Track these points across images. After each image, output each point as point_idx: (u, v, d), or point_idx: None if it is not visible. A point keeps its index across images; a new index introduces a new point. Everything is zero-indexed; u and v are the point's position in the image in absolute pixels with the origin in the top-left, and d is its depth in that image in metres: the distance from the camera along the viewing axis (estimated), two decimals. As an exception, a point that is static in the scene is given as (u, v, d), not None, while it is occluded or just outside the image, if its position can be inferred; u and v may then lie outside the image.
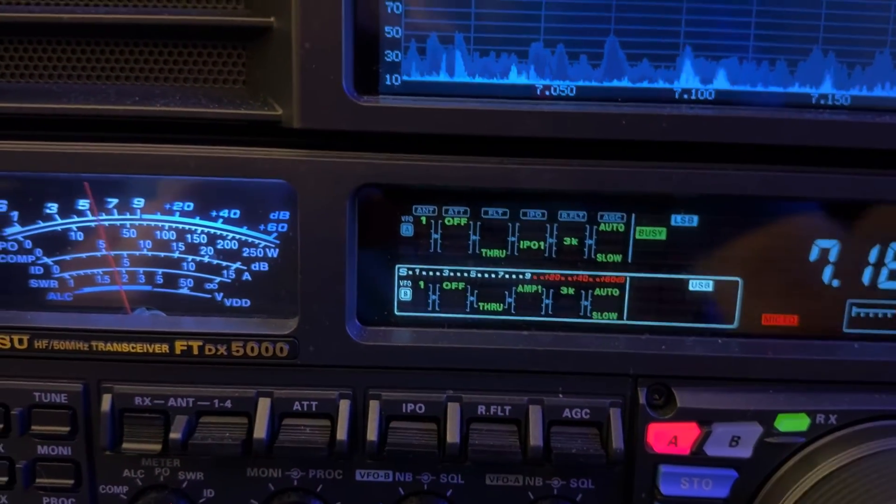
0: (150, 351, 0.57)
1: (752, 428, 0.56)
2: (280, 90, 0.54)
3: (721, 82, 0.55)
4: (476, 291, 0.60)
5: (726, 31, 0.55)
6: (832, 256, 0.59)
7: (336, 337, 0.57)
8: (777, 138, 0.55)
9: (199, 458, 0.59)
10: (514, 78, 0.56)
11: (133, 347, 0.57)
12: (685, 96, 0.56)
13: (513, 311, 0.60)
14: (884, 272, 0.60)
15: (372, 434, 0.57)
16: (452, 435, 0.57)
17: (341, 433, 0.56)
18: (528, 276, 0.60)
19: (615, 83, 0.55)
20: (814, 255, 0.59)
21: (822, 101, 0.56)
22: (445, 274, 0.60)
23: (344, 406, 0.57)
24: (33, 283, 0.60)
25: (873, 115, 0.55)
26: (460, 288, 0.60)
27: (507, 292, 0.60)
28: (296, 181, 0.55)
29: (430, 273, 0.60)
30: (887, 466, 0.51)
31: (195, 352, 0.57)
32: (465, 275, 0.60)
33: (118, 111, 0.55)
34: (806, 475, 0.55)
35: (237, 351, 0.57)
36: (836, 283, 0.60)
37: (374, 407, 0.57)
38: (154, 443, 0.57)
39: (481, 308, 0.61)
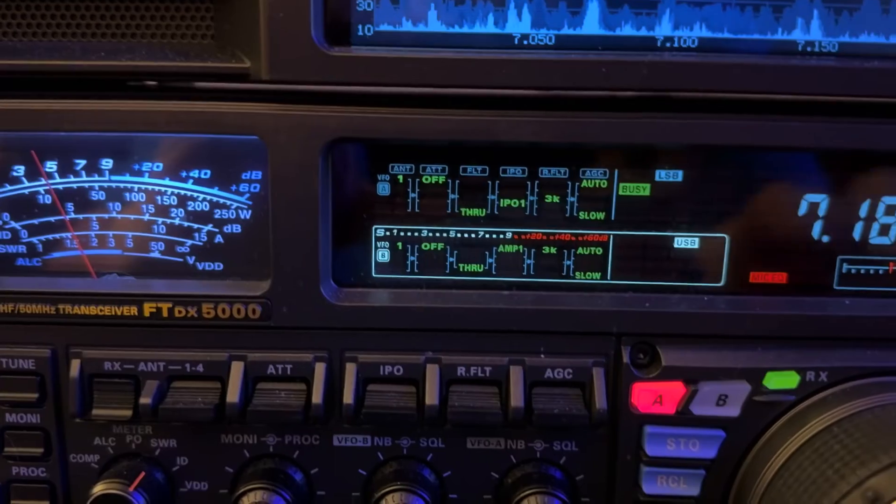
0: (119, 314, 0.55)
1: (740, 386, 0.55)
2: (249, 43, 0.53)
3: (703, 29, 0.54)
4: (455, 252, 0.59)
5: (709, -24, 0.53)
6: (821, 211, 0.57)
7: (310, 298, 0.55)
8: (762, 86, 0.53)
9: (171, 424, 0.57)
10: (491, 27, 0.54)
11: (101, 310, 0.55)
12: (667, 44, 0.54)
13: (493, 272, 0.59)
14: (875, 227, 0.58)
15: (349, 397, 0.55)
16: (431, 397, 0.55)
17: (317, 397, 0.55)
18: (508, 235, 0.58)
19: (595, 31, 0.54)
20: (803, 209, 0.57)
21: (809, 49, 0.54)
22: (424, 234, 0.58)
23: (319, 369, 0.56)
24: (1, 249, 0.58)
25: (861, 62, 0.54)
26: (439, 248, 0.59)
27: (487, 252, 0.59)
28: (266, 136, 0.53)
29: (408, 233, 0.58)
30: (878, 422, 0.50)
31: (165, 314, 0.55)
32: (444, 235, 0.58)
33: (84, 66, 0.54)
34: (796, 433, 0.53)
35: (208, 313, 0.55)
36: (825, 238, 0.58)
37: (350, 370, 0.56)
38: (125, 409, 0.55)
39: (461, 269, 0.59)
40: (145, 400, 0.55)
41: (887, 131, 0.54)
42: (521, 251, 0.59)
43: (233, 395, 0.55)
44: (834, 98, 0.54)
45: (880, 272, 0.59)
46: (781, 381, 0.55)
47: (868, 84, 0.53)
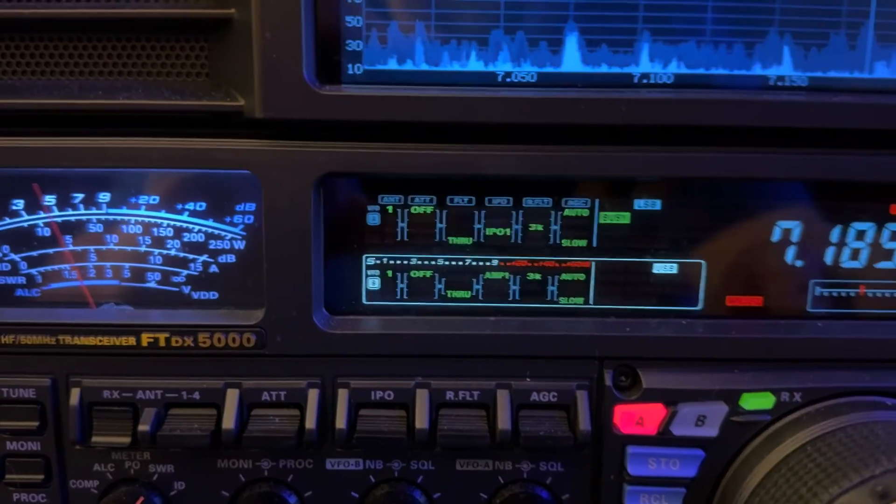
0: (118, 343, 0.57)
1: (718, 407, 0.57)
2: (242, 81, 0.55)
3: (679, 66, 0.56)
4: (444, 279, 0.61)
5: (683, 16, 0.55)
6: (794, 237, 0.60)
7: (303, 326, 0.57)
8: (735, 119, 0.55)
9: (168, 450, 0.59)
10: (475, 65, 0.56)
11: (100, 340, 0.57)
12: (644, 80, 0.56)
13: (480, 298, 0.61)
14: (846, 251, 0.61)
15: (341, 422, 0.57)
16: (421, 421, 0.57)
17: (310, 422, 0.57)
18: (494, 262, 0.60)
19: (574, 69, 0.56)
20: (776, 236, 0.60)
21: (780, 83, 0.56)
22: (413, 262, 0.60)
23: (312, 395, 0.57)
24: (0, 280, 0.60)
25: (830, 96, 0.56)
26: (428, 276, 0.61)
27: (474, 279, 0.61)
28: (259, 171, 0.55)
29: (398, 262, 0.60)
30: (849, 441, 0.52)
31: (162, 343, 0.57)
32: (433, 263, 0.60)
33: (81, 105, 0.55)
34: (772, 452, 0.55)
35: (204, 342, 0.57)
36: (798, 263, 0.60)
37: (342, 395, 0.58)
38: (123, 435, 0.57)
39: (449, 295, 0.61)
40: (143, 427, 0.56)
41: (855, 161, 0.57)
42: (506, 278, 0.61)
43: (228, 422, 0.56)
44: (804, 129, 0.56)
45: (852, 295, 0.61)
46: (757, 402, 0.57)
47: (836, 116, 0.56)
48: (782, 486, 0.52)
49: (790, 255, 0.60)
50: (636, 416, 0.57)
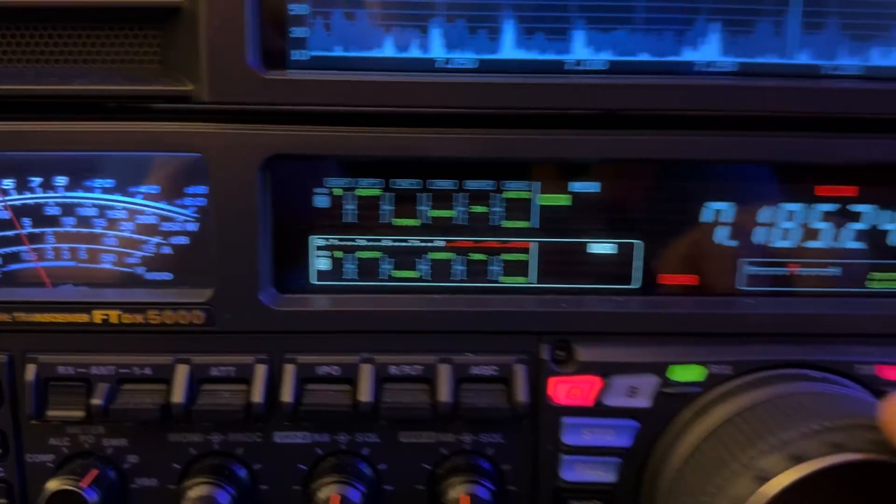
0: (72, 321, 0.59)
1: (649, 379, 0.59)
2: (191, 67, 0.57)
3: (611, 53, 0.59)
4: (391, 259, 0.63)
5: (614, 4, 0.58)
6: (725, 218, 0.62)
7: (250, 304, 0.59)
8: (664, 103, 0.58)
9: (122, 424, 0.61)
10: (417, 52, 0.58)
11: (55, 318, 0.59)
12: (578, 67, 0.59)
13: (426, 278, 0.63)
14: (775, 231, 0.63)
15: (287, 396, 0.59)
16: (365, 394, 0.59)
17: (257, 396, 0.59)
18: (439, 243, 0.63)
19: (511, 56, 0.58)
20: (708, 216, 0.62)
21: (709, 69, 0.59)
22: (360, 243, 0.63)
23: (260, 370, 0.59)
24: (-41, 261, 0.62)
25: (757, 80, 0.59)
26: (375, 256, 0.63)
27: (420, 259, 0.63)
28: (207, 153, 0.57)
29: (346, 243, 0.63)
30: (774, 409, 0.54)
31: (114, 320, 0.59)
32: (380, 244, 0.63)
33: (37, 91, 0.57)
34: (701, 422, 0.58)
35: (154, 319, 0.59)
36: (730, 242, 0.63)
37: (289, 370, 0.60)
38: (78, 410, 0.59)
39: (396, 275, 0.63)
40: (96, 401, 0.58)
41: (782, 143, 0.59)
42: (451, 258, 0.63)
43: (178, 396, 0.58)
44: (732, 114, 0.59)
45: (781, 273, 0.64)
46: (688, 373, 0.59)
47: (764, 100, 0.58)
48: (708, 454, 0.54)
49: (721, 234, 0.63)
50: (571, 389, 0.60)
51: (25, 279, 0.62)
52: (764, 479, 0.48)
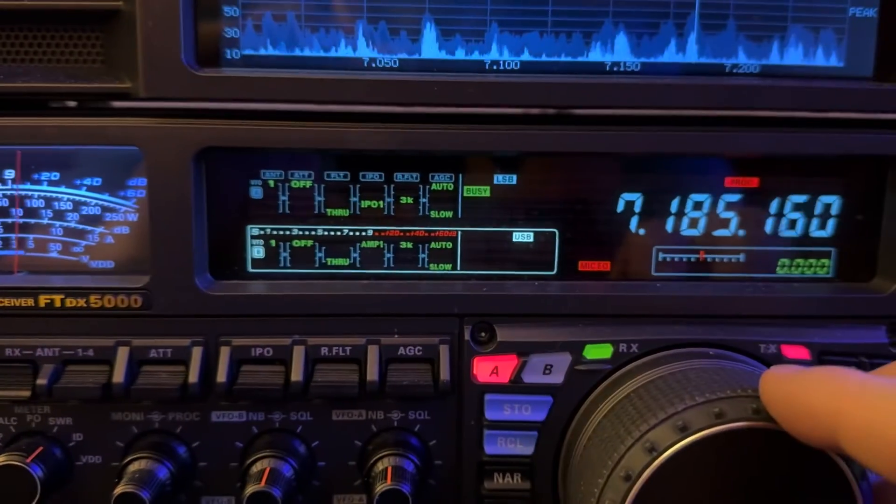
0: (17, 304, 0.62)
1: (563, 357, 0.63)
2: (131, 66, 0.60)
3: (524, 54, 0.63)
4: (324, 248, 0.67)
5: (526, 9, 0.62)
6: (637, 207, 0.67)
7: (186, 289, 0.62)
8: (575, 101, 0.62)
9: (67, 404, 0.64)
10: (344, 51, 0.62)
11: (1, 302, 0.62)
12: (494, 67, 0.63)
13: (358, 265, 0.67)
14: (685, 221, 0.67)
15: (222, 377, 0.62)
16: (297, 374, 0.63)
17: (193, 377, 0.62)
18: (370, 232, 0.67)
19: (432, 56, 0.62)
20: (620, 206, 0.67)
21: (615, 69, 0.63)
22: (294, 233, 0.66)
23: (196, 352, 0.63)
24: (-89, 251, 0.65)
25: (660, 78, 0.63)
26: (308, 245, 0.67)
27: (352, 248, 0.67)
28: (144, 145, 0.61)
29: (280, 232, 0.66)
30: (665, 385, 0.58)
31: (57, 304, 0.62)
32: (313, 233, 0.66)
33: (-13, 88, 0.61)
34: (609, 398, 0.62)
35: (95, 303, 0.62)
36: (642, 231, 0.67)
37: (224, 352, 0.63)
38: (24, 389, 0.62)
39: (329, 263, 0.67)
40: (41, 381, 0.61)
41: (686, 137, 0.64)
42: (381, 246, 0.67)
43: (118, 377, 0.62)
44: (638, 111, 0.63)
45: (692, 259, 0.68)
46: (598, 352, 0.63)
47: (667, 97, 0.63)
48: (608, 429, 0.58)
49: (634, 223, 0.67)
50: (492, 367, 0.64)
51: (-24, 268, 0.65)
52: (654, 450, 0.52)
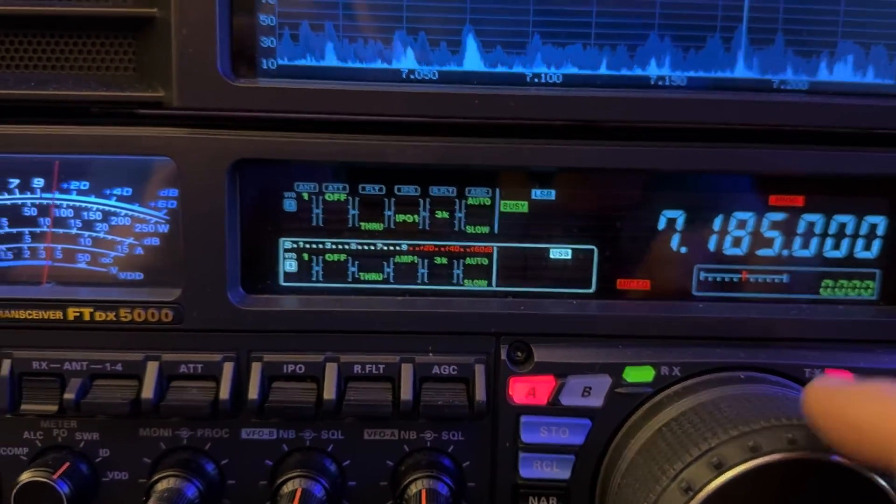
0: (46, 318, 0.61)
1: (602, 379, 0.61)
2: (164, 74, 0.59)
3: (567, 67, 0.61)
4: (357, 262, 0.65)
5: (570, 20, 0.60)
6: (679, 225, 0.65)
7: (218, 303, 0.61)
8: (618, 116, 0.60)
9: (94, 419, 0.62)
10: (381, 63, 0.61)
11: (29, 314, 0.61)
12: (535, 80, 0.61)
13: (391, 280, 0.65)
14: (727, 239, 0.66)
15: (253, 393, 0.61)
16: (329, 392, 0.61)
17: (224, 393, 0.61)
18: (404, 247, 0.65)
19: (473, 68, 0.61)
20: (662, 224, 0.65)
21: (660, 83, 0.62)
22: (327, 246, 0.65)
23: (228, 368, 0.62)
24: (-62, 260, 0.64)
25: (708, 93, 0.61)
26: (342, 259, 0.65)
27: (385, 263, 0.65)
28: (177, 157, 0.59)
29: (313, 246, 0.65)
30: (697, 418, 0.56)
31: (86, 318, 0.61)
32: (346, 247, 0.65)
33: (15, 95, 0.60)
34: (651, 421, 0.60)
35: (125, 317, 0.61)
36: (683, 249, 0.65)
37: (256, 368, 0.62)
38: (51, 404, 0.61)
39: (362, 278, 0.65)
40: (69, 395, 0.60)
41: (731, 154, 0.62)
42: (415, 261, 0.65)
43: (147, 392, 0.60)
44: (684, 125, 0.61)
45: (735, 279, 0.66)
46: (639, 374, 0.61)
47: (714, 113, 0.61)
48: (642, 467, 0.56)
49: (675, 242, 0.65)
50: (529, 388, 0.62)
51: (3, 278, 0.64)
52: (690, 489, 0.50)
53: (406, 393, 0.61)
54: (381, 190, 0.64)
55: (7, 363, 0.61)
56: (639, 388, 0.62)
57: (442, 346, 0.63)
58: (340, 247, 0.65)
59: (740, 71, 0.62)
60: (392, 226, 0.65)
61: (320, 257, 0.65)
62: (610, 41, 0.61)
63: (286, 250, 0.65)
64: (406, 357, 0.63)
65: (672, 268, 0.65)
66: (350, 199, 0.64)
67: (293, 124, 0.60)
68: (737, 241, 0.66)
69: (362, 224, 0.65)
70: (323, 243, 0.65)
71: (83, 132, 0.60)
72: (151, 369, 0.61)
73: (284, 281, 0.65)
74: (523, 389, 0.62)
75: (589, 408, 0.62)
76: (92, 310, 0.61)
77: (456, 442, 0.64)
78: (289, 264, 0.65)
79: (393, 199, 0.64)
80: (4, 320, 0.61)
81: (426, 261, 0.65)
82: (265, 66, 0.60)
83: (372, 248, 0.65)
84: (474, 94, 0.59)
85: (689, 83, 0.62)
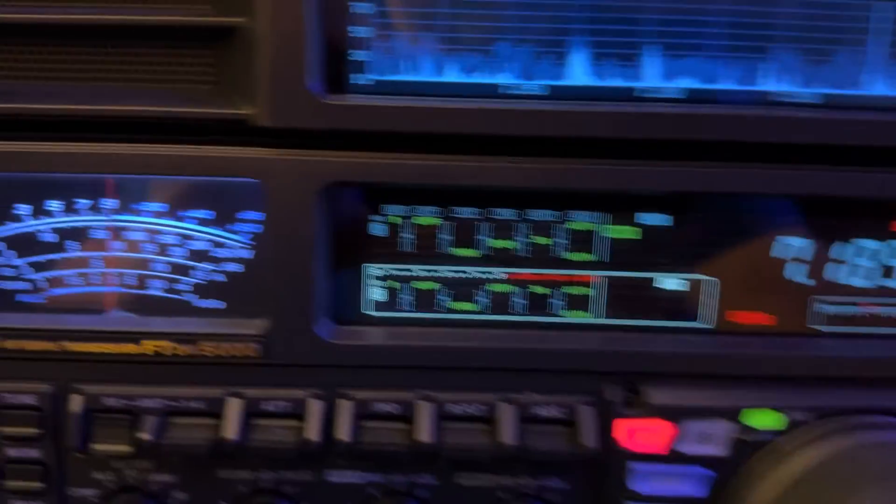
0: (120, 351, 0.57)
1: (724, 425, 0.56)
2: (249, 89, 0.55)
3: (684, 81, 0.56)
4: (448, 291, 0.60)
5: (688, 31, 0.55)
6: (800, 254, 0.59)
7: (306, 336, 0.57)
8: (741, 135, 0.55)
9: (169, 459, 0.58)
10: (481, 77, 0.56)
11: (102, 347, 0.57)
12: (648, 95, 0.56)
13: (485, 310, 0.60)
14: (858, 270, 0.60)
15: (342, 434, 0.56)
16: (424, 434, 0.56)
17: (312, 433, 0.56)
18: (499, 275, 0.60)
19: (580, 82, 0.56)
20: (781, 252, 0.59)
21: (786, 100, 0.56)
22: (417, 273, 0.60)
23: (314, 406, 0.57)
24: (4, 285, 0.60)
25: (841, 112, 0.55)
26: (433, 288, 0.60)
27: (479, 291, 0.60)
28: (265, 179, 0.55)
29: (402, 273, 0.60)
30: (856, 461, 0.51)
31: (164, 351, 0.57)
32: (437, 274, 0.60)
33: (89, 111, 0.55)
34: (780, 474, 0.54)
35: (206, 351, 0.57)
36: (810, 282, 0.59)
37: (345, 406, 0.57)
38: (124, 444, 0.57)
39: (454, 308, 0.61)
40: (144, 435, 0.56)
41: (857, 178, 0.56)
42: (511, 290, 0.60)
43: (229, 431, 0.56)
44: (805, 145, 0.56)
45: (866, 314, 0.60)
46: (766, 420, 0.56)
47: (848, 133, 0.55)
48: None
49: (800, 272, 0.59)
50: (640, 433, 0.57)
51: (69, 305, 0.60)
52: None
53: (507, 436, 0.56)
54: (475, 213, 0.59)
55: (77, 399, 0.57)
56: (765, 436, 0.56)
57: (543, 385, 0.58)
58: (430, 274, 0.60)
59: (880, 88, 0.56)
60: (486, 251, 0.60)
61: (409, 285, 0.60)
62: (731, 54, 0.55)
63: (374, 278, 0.60)
64: (505, 396, 0.58)
65: (795, 301, 0.60)
66: (442, 222, 0.59)
67: (383, 143, 0.56)
68: (869, 273, 0.60)
69: (454, 249, 0.60)
70: (412, 270, 0.60)
71: (162, 151, 0.56)
72: (234, 407, 0.57)
73: (371, 310, 0.60)
74: (634, 434, 0.57)
75: (709, 456, 0.56)
76: (169, 342, 0.57)
77: (558, 490, 0.59)
78: (376, 293, 0.60)
79: (488, 223, 0.59)
80: (74, 353, 0.57)
81: (524, 290, 0.60)
82: (356, 82, 0.55)
83: (464, 275, 0.60)
84: (583, 110, 0.54)
85: (817, 100, 0.56)
